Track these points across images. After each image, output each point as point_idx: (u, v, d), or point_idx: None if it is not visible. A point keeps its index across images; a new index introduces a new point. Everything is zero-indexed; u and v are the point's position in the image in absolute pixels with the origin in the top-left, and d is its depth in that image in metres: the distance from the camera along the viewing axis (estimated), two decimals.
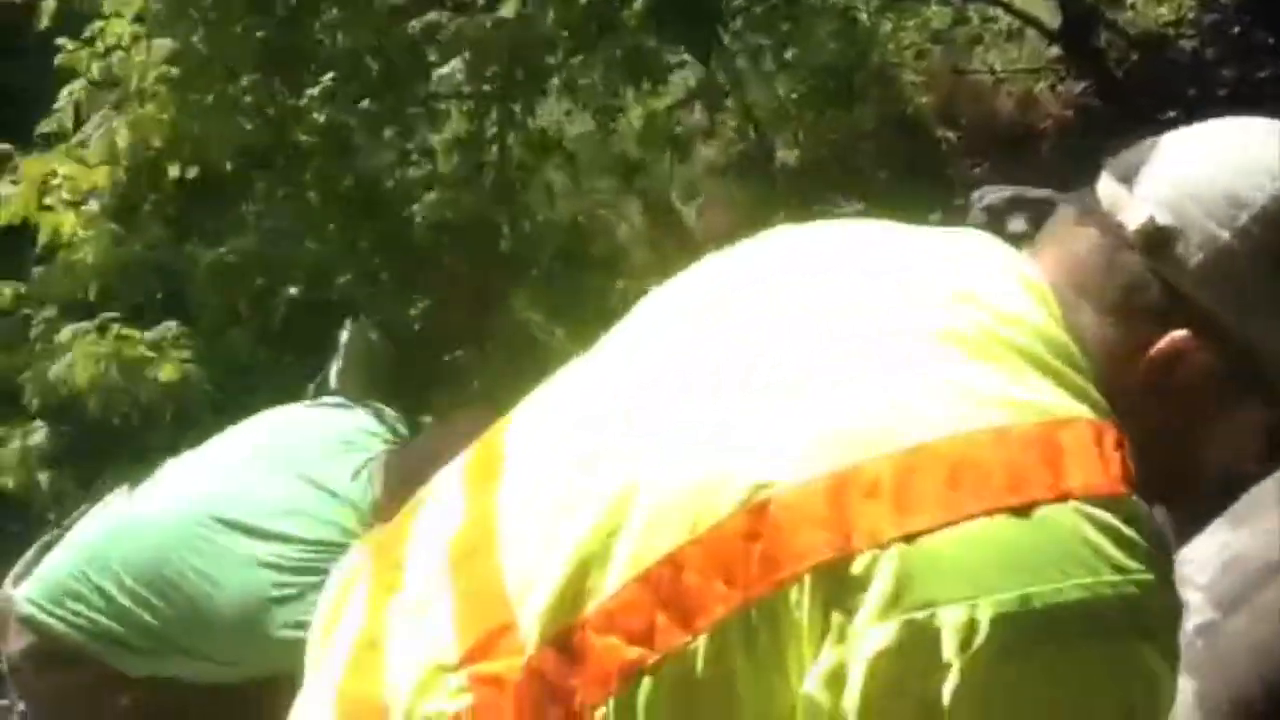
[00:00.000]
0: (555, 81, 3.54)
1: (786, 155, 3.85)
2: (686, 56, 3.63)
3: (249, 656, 2.02)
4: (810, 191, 3.73)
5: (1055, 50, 3.74)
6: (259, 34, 3.27)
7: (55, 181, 3.18)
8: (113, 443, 2.98)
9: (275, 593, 2.00)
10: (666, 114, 3.88)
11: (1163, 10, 4.28)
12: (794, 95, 3.97)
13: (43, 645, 2.23)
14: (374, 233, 3.48)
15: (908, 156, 3.77)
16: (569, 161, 3.91)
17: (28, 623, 2.23)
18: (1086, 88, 3.67)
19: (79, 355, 2.69)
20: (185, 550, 2.08)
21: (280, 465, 2.15)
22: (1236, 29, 2.89)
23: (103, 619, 2.17)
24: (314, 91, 3.37)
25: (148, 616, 2.15)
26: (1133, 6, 4.35)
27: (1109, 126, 3.02)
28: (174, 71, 3.19)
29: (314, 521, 2.11)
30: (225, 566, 2.06)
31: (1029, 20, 3.79)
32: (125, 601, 2.12)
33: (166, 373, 2.75)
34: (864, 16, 4.00)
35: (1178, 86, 2.80)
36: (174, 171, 3.30)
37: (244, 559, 2.04)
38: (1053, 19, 3.78)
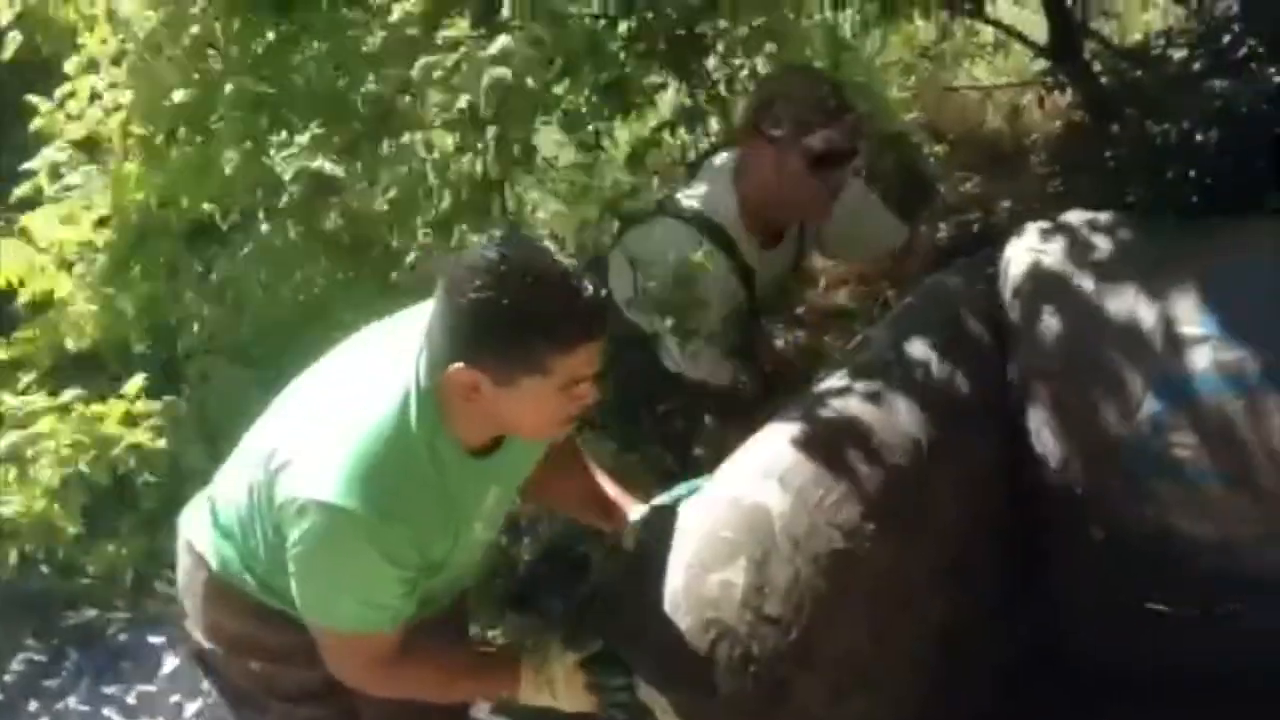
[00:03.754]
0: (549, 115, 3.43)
1: None
2: (669, 80, 3.56)
3: None
4: None
5: (1042, 63, 3.66)
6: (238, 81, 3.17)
7: (44, 246, 3.18)
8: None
9: None
10: (653, 137, 3.82)
11: (1148, 17, 4.21)
12: None
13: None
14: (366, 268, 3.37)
15: (896, 171, 3.71)
16: (548, 179, 3.82)
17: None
18: (1075, 101, 3.60)
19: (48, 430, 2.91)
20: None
21: None
22: (1226, 39, 2.82)
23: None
24: (303, 139, 3.28)
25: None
26: (1119, 16, 4.27)
27: (1098, 139, 2.96)
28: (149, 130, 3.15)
29: None
30: None
31: (1014, 34, 3.70)
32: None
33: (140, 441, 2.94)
34: (847, 30, 3.94)
35: (1168, 99, 2.73)
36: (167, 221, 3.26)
37: None
38: (1039, 32, 3.70)
